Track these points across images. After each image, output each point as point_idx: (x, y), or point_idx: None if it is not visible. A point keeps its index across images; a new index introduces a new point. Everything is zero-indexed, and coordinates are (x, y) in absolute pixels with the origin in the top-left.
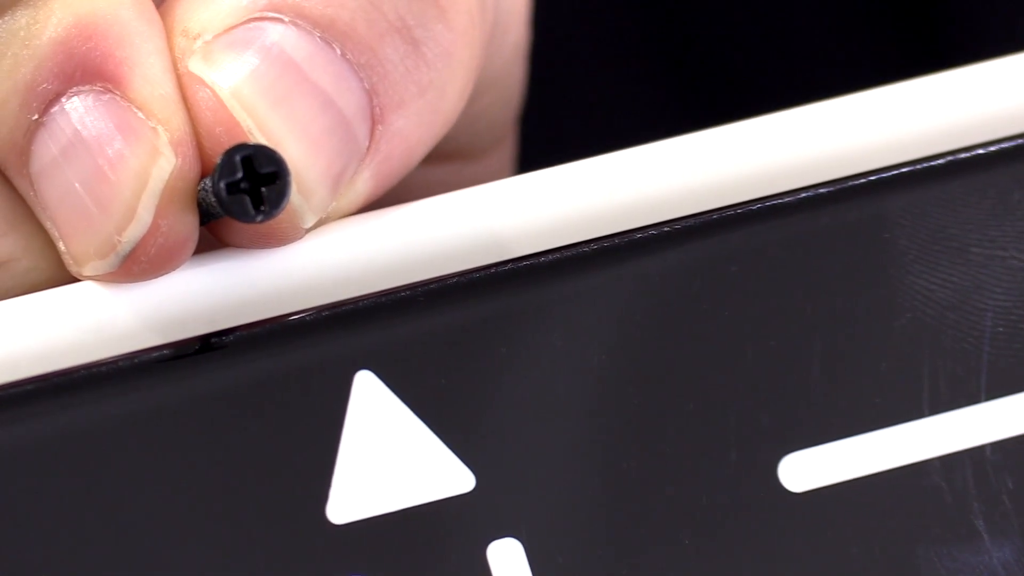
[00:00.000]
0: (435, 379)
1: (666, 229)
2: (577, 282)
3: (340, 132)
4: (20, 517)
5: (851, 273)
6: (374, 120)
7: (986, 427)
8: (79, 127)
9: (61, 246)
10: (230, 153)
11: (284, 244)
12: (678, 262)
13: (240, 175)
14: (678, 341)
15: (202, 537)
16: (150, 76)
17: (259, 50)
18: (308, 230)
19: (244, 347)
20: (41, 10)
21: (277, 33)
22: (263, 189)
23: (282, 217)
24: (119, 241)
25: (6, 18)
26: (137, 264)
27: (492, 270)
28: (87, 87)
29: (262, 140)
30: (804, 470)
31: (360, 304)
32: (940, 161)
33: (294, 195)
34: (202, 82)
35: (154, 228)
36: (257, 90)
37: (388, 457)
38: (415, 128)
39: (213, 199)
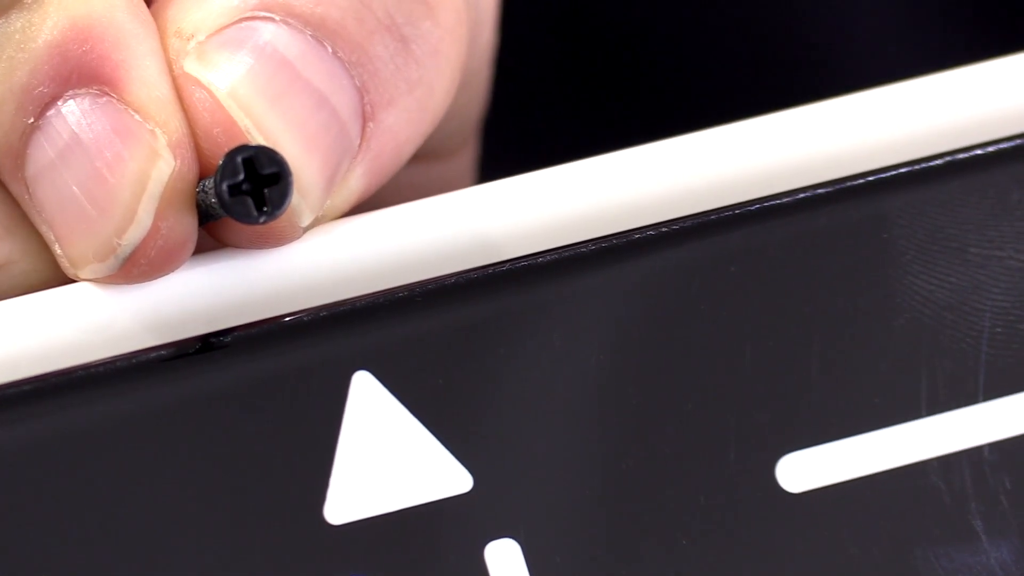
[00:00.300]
0: (433, 380)
1: (665, 229)
2: (575, 282)
3: (334, 130)
4: (20, 517)
5: (849, 273)
6: (365, 117)
7: (984, 427)
8: (76, 130)
9: (57, 249)
10: (232, 155)
11: (283, 244)
12: (677, 262)
13: (242, 176)
14: (676, 341)
15: (200, 537)
16: (146, 78)
17: (253, 49)
18: (305, 229)
19: (242, 347)
20: (36, 13)
21: (269, 32)
22: (265, 190)
23: (281, 217)
24: (118, 244)
25: (1, 21)
26: (136, 266)
27: (490, 270)
28: (83, 90)
29: (260, 139)
30: (802, 470)
31: (358, 304)
32: (939, 161)
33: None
34: (198, 83)
35: (154, 230)
36: (253, 89)
37: (386, 458)
38: (405, 125)
39: (213, 200)
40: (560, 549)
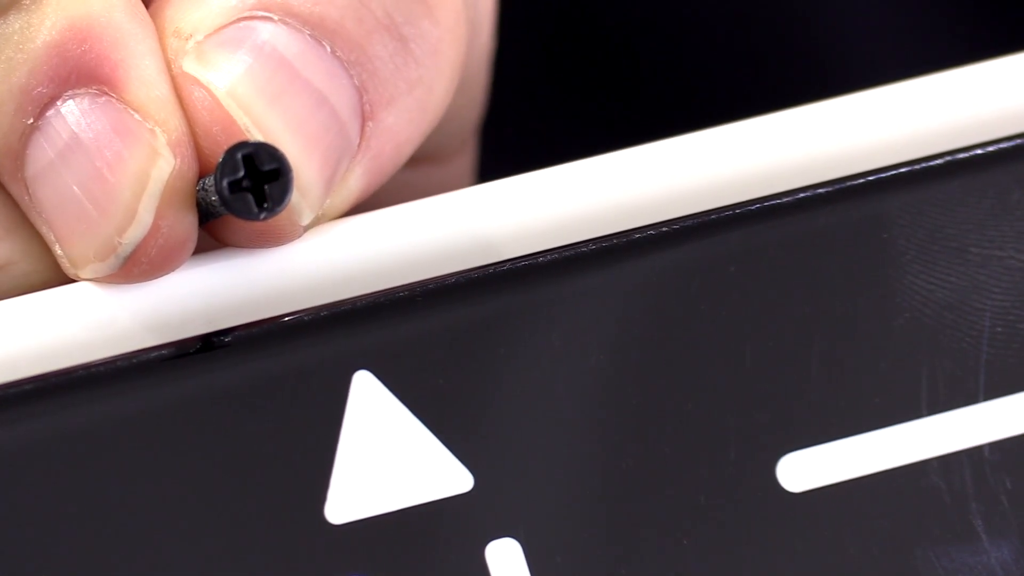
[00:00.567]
0: (433, 379)
1: (665, 229)
2: (575, 282)
3: (334, 129)
4: (20, 517)
5: (849, 273)
6: (364, 117)
7: (984, 427)
8: (76, 130)
9: (58, 249)
10: (232, 151)
11: (283, 243)
12: (677, 262)
13: (242, 173)
14: (676, 341)
15: (200, 537)
16: (145, 78)
17: (251, 48)
18: (305, 228)
19: (242, 347)
20: (35, 14)
21: (268, 32)
22: (266, 186)
23: (281, 215)
24: (119, 243)
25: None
26: (137, 266)
27: (490, 270)
28: (83, 90)
29: (259, 138)
30: (802, 470)
31: (358, 304)
32: (938, 161)
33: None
34: (197, 82)
35: (154, 229)
36: (253, 88)
37: (386, 457)
38: (405, 125)
39: (214, 198)
40: (561, 549)
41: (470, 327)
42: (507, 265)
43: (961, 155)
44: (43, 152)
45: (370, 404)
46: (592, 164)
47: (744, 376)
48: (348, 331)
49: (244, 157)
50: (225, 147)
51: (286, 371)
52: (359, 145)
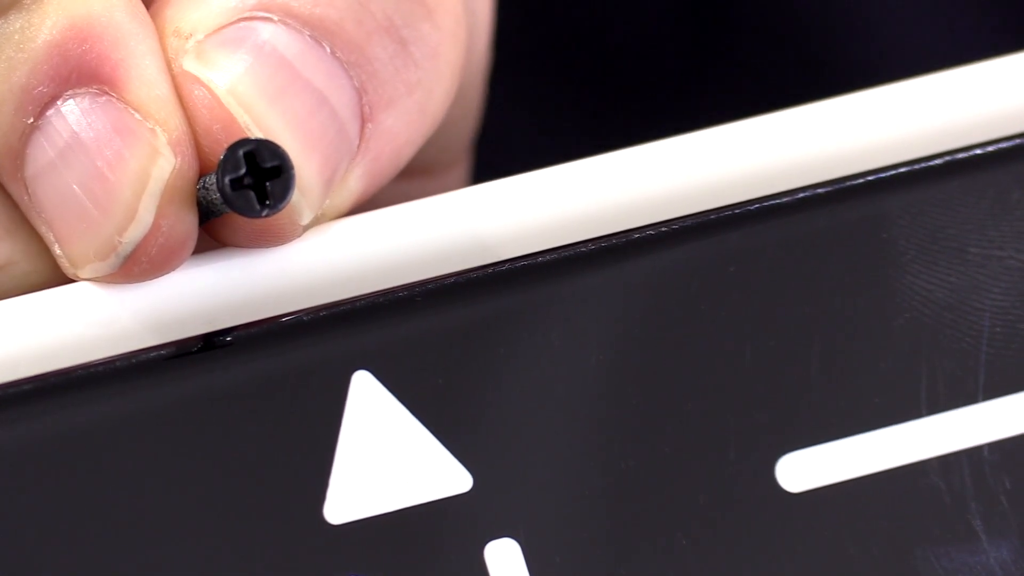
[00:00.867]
0: (432, 379)
1: (664, 229)
2: (575, 282)
3: (334, 129)
4: (20, 517)
5: (849, 273)
6: (364, 119)
7: (984, 427)
8: (76, 129)
9: (57, 249)
10: (233, 148)
11: (283, 242)
12: (676, 262)
13: (244, 170)
14: (676, 341)
15: (199, 537)
16: (146, 77)
17: (252, 48)
18: (305, 228)
19: (242, 347)
20: (35, 13)
21: (268, 32)
22: (267, 184)
23: (281, 214)
24: (120, 242)
25: (0, 21)
26: (137, 265)
27: (490, 270)
28: (83, 89)
29: (260, 136)
30: (802, 470)
31: (357, 304)
32: (938, 161)
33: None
34: (197, 81)
35: (155, 228)
36: (253, 87)
37: (385, 457)
38: (404, 127)
39: (215, 196)
40: (560, 549)
41: (470, 327)
42: (507, 265)
43: (961, 155)
44: (43, 151)
45: (369, 404)
46: (592, 164)
47: (744, 376)
48: (348, 331)
49: (245, 155)
50: (226, 145)
51: (285, 371)
52: (358, 147)
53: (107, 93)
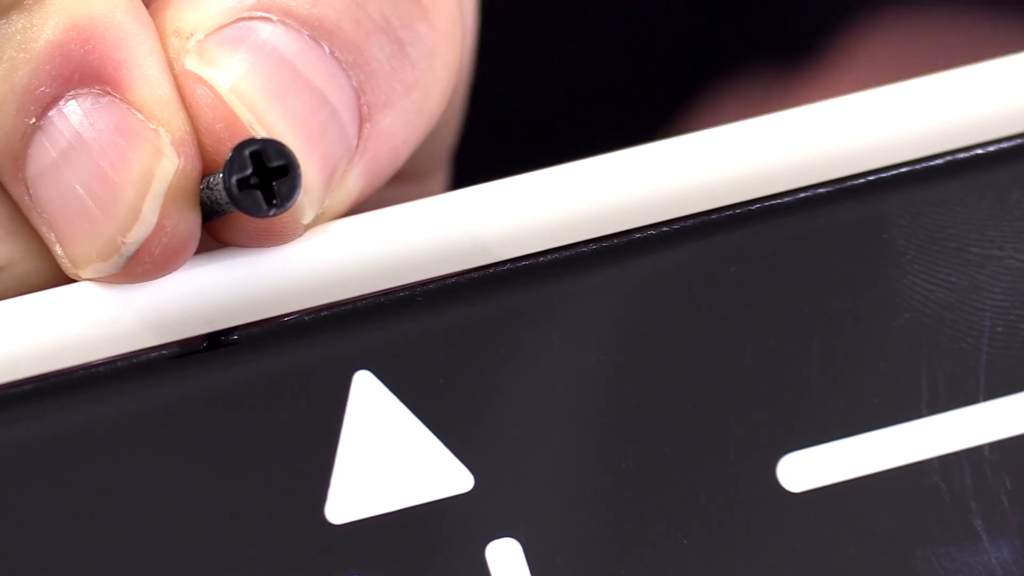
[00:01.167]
0: (434, 379)
1: (665, 229)
2: (575, 282)
3: (334, 129)
4: (21, 517)
5: (849, 273)
6: (362, 118)
7: (984, 427)
8: (79, 129)
9: (58, 250)
10: (239, 148)
11: (284, 242)
12: (677, 262)
13: (250, 170)
14: (677, 341)
15: (200, 537)
16: (148, 77)
17: (252, 47)
18: (306, 227)
19: (242, 347)
20: (37, 14)
21: (267, 31)
22: (274, 183)
23: (285, 213)
24: (123, 243)
25: (2, 22)
26: (140, 265)
27: (491, 270)
28: (85, 90)
29: (264, 135)
30: (802, 470)
31: (359, 304)
32: (938, 161)
33: None
34: (200, 80)
35: (158, 229)
36: (255, 86)
37: (387, 457)
38: (401, 127)
39: (219, 196)
40: (561, 548)
41: (470, 327)
42: (507, 265)
43: (961, 155)
44: (45, 152)
45: (370, 404)
46: (592, 164)
47: (744, 376)
48: (348, 331)
49: (251, 154)
50: (229, 144)
51: (286, 371)
52: (356, 146)
53: (109, 93)
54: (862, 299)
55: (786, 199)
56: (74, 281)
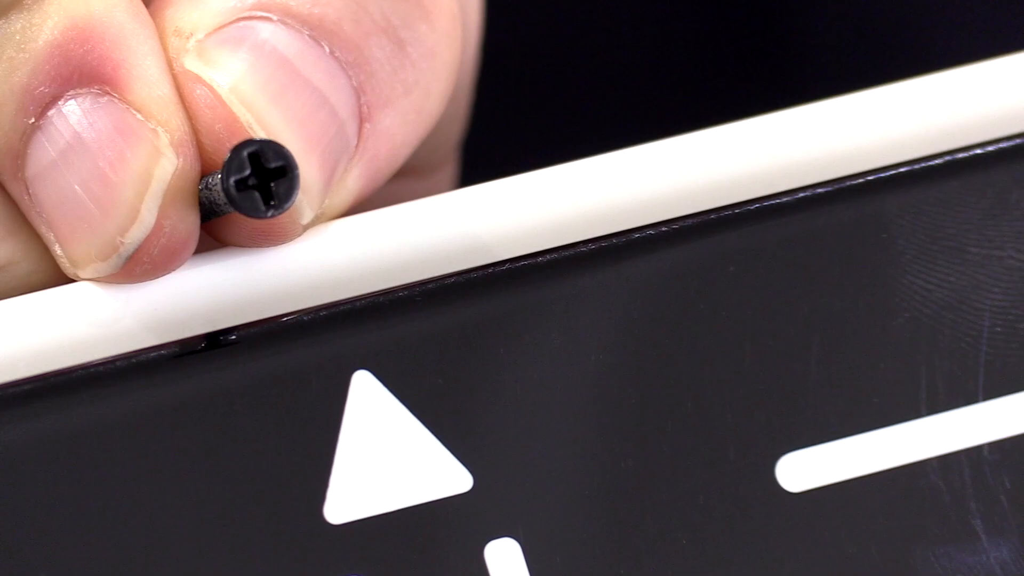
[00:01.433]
0: (433, 379)
1: (664, 229)
2: (575, 282)
3: (334, 128)
4: (21, 517)
5: (849, 273)
6: (362, 118)
7: (984, 427)
8: (78, 129)
9: (57, 250)
10: (238, 149)
11: (283, 242)
12: (676, 262)
13: (248, 171)
14: (676, 341)
15: (199, 537)
16: (147, 77)
17: (252, 47)
18: (305, 227)
19: (241, 347)
20: (36, 14)
21: (267, 31)
22: (272, 184)
23: (284, 214)
24: (121, 242)
25: (1, 22)
26: (139, 265)
27: (490, 270)
28: (84, 90)
29: (262, 135)
30: (801, 470)
31: (357, 304)
32: (938, 161)
33: None
34: (199, 79)
35: (157, 229)
36: (255, 86)
37: (386, 457)
38: (401, 127)
39: (218, 196)
40: (560, 548)
41: (469, 327)
42: (507, 265)
43: (961, 155)
44: (44, 152)
45: (370, 404)
46: (592, 164)
47: (743, 376)
48: (348, 331)
49: (249, 155)
50: (228, 144)
51: (286, 371)
52: (356, 146)
53: (109, 93)
54: (862, 299)
55: (786, 199)
56: (73, 281)
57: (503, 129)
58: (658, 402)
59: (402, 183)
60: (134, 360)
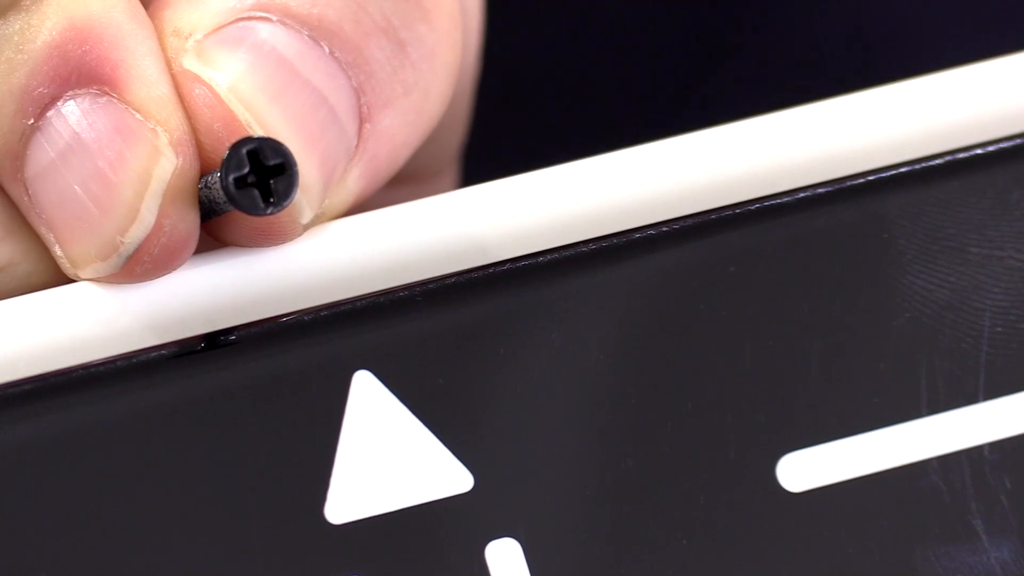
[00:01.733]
0: (433, 379)
1: (664, 229)
2: (575, 282)
3: (333, 128)
4: (21, 517)
5: (849, 273)
6: (362, 119)
7: (984, 427)
8: (77, 130)
9: (57, 250)
10: (236, 147)
11: (283, 241)
12: (676, 262)
13: (247, 169)
14: (676, 341)
15: (200, 537)
16: (146, 77)
17: (251, 47)
18: (304, 227)
19: (242, 347)
20: (35, 14)
21: (267, 31)
22: (271, 181)
23: (283, 212)
24: (121, 242)
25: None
26: (139, 265)
27: (490, 270)
28: (83, 90)
29: (262, 134)
30: (802, 470)
31: (358, 304)
32: (938, 161)
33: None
34: (198, 79)
35: (157, 228)
36: (254, 86)
37: (386, 457)
38: (401, 128)
39: (217, 195)
40: (561, 548)
41: (470, 327)
42: (507, 265)
43: (961, 155)
44: (44, 152)
45: (370, 404)
46: (592, 164)
47: (744, 376)
48: (348, 331)
49: (248, 153)
50: (227, 144)
51: (286, 371)
52: (356, 147)
53: (107, 94)
54: (862, 299)
55: (786, 199)
56: (73, 281)
57: (503, 134)
58: (658, 402)
59: (403, 189)
60: (134, 360)
